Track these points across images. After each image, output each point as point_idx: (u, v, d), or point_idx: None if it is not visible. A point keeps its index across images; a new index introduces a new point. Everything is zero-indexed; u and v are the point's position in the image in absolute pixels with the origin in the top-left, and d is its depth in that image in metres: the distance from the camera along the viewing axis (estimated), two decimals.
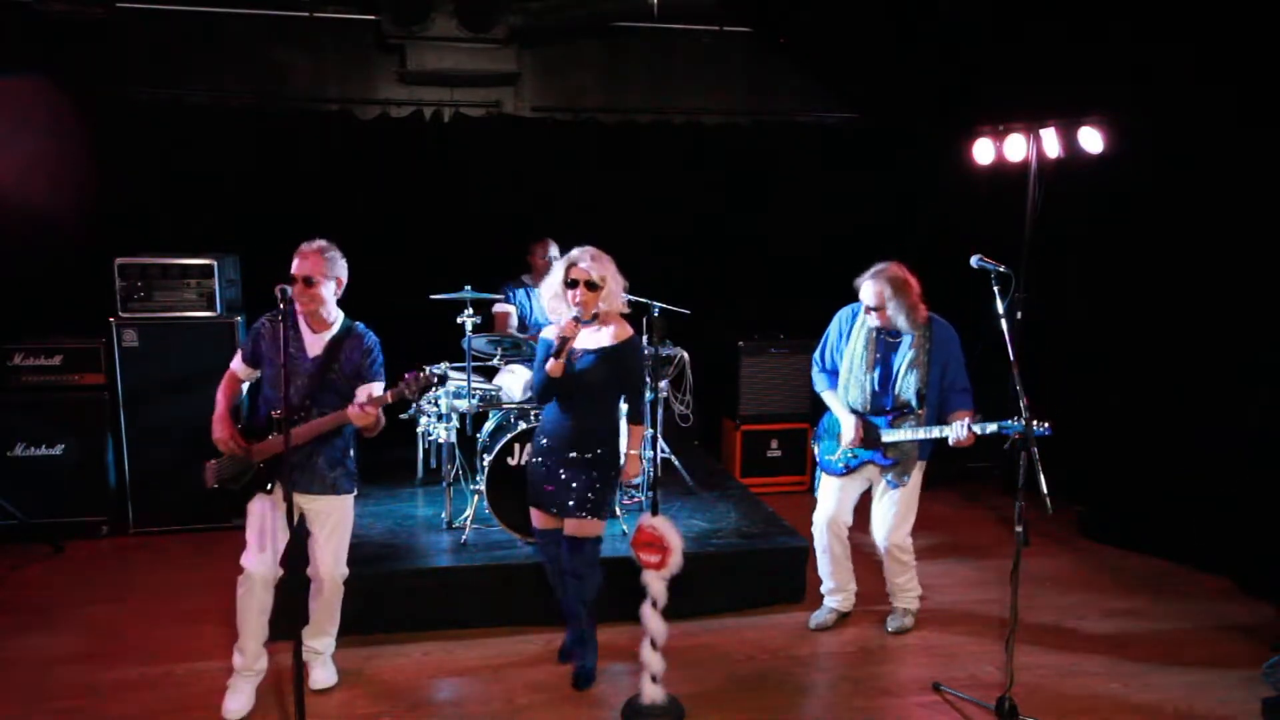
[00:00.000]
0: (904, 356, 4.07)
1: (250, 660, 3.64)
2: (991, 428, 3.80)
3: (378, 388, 3.61)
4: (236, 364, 3.73)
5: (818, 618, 4.45)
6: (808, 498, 6.29)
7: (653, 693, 3.56)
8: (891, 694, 3.86)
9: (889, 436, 4.10)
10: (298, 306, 3.54)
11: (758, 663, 4.11)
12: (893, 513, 4.25)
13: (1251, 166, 4.72)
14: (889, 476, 4.20)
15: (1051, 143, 5.50)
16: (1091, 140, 5.24)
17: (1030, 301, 5.70)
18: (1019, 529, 3.50)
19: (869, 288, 4.01)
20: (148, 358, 5.37)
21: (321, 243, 3.61)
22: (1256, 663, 3.93)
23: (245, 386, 3.83)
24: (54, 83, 5.64)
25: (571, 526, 3.79)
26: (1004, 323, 3.64)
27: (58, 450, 5.41)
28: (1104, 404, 5.65)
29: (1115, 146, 5.20)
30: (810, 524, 4.46)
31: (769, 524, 5.02)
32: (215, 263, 5.44)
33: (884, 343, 4.12)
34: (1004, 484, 6.42)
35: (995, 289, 3.67)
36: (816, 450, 4.41)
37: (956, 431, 3.89)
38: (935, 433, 4.00)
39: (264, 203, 6.10)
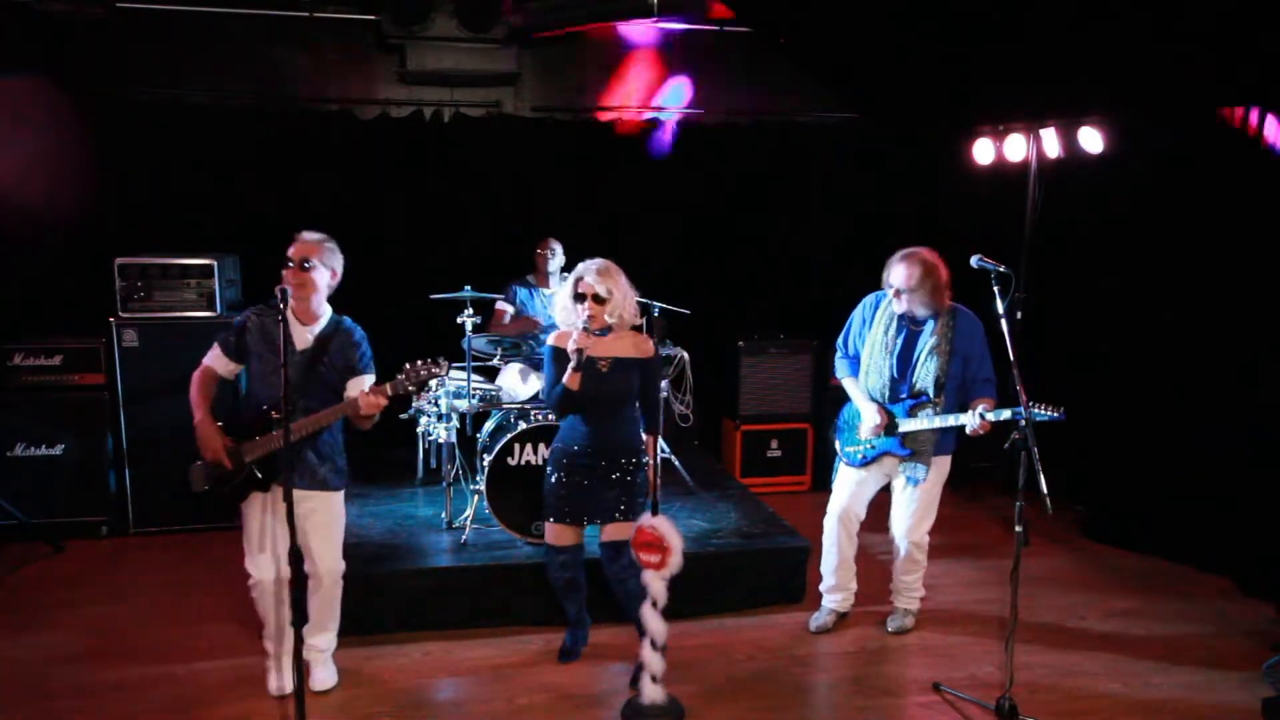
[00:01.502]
0: (925, 344, 4.05)
1: (279, 644, 3.70)
2: (1005, 414, 3.76)
3: (368, 381, 3.61)
4: (215, 359, 3.62)
5: (817, 620, 4.44)
6: (808, 498, 6.35)
7: (653, 693, 3.56)
8: (891, 694, 3.86)
9: (906, 426, 4.07)
10: (295, 292, 3.50)
11: (758, 663, 4.11)
12: (912, 510, 4.23)
13: (1251, 166, 4.72)
14: (906, 472, 4.17)
15: (1051, 143, 5.50)
16: (1091, 140, 5.24)
17: (1030, 301, 5.71)
18: (1019, 529, 3.51)
19: (899, 270, 3.96)
20: (148, 358, 5.37)
21: (320, 235, 3.62)
22: (1256, 663, 3.94)
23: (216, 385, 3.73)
24: (54, 83, 5.63)
25: (611, 531, 3.82)
26: (1004, 323, 3.64)
27: (58, 450, 5.41)
28: (1104, 404, 5.65)
29: (1115, 146, 5.20)
30: (811, 523, 4.46)
31: (769, 524, 5.02)
32: (215, 263, 5.45)
33: (906, 329, 4.10)
34: (1004, 484, 6.42)
35: (995, 289, 3.68)
36: (836, 442, 4.38)
37: (971, 420, 3.86)
38: (952, 420, 3.96)
39: (264, 203, 6.10)
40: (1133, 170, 5.28)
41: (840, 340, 4.36)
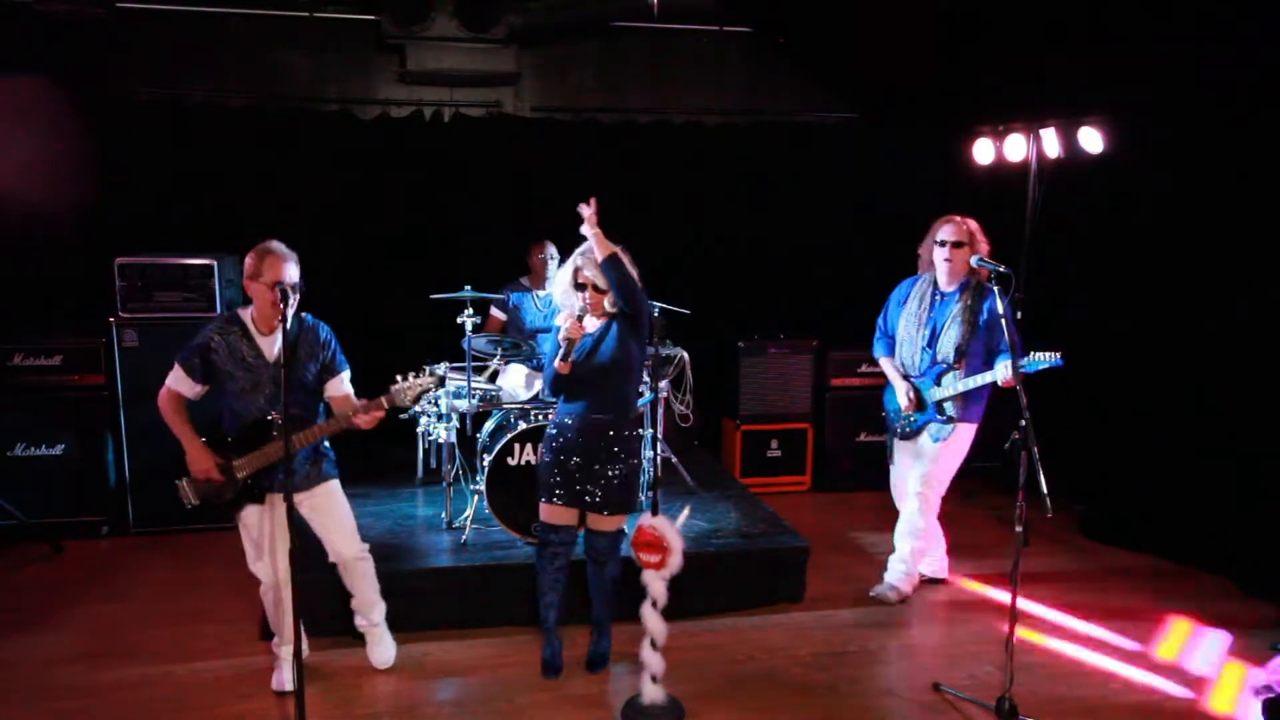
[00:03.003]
0: (950, 312, 4.28)
1: (291, 650, 3.67)
2: (1028, 361, 3.87)
3: (345, 377, 3.64)
4: (179, 382, 3.56)
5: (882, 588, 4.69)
6: (808, 498, 6.36)
7: (653, 693, 3.56)
8: (891, 694, 3.86)
9: (936, 395, 4.29)
10: (288, 311, 3.47)
11: (758, 663, 4.11)
12: (927, 461, 4.42)
13: (1251, 166, 4.72)
14: (933, 432, 4.38)
15: (1051, 143, 5.50)
16: (1091, 140, 5.24)
17: (1030, 301, 5.71)
18: (1019, 529, 3.51)
19: (949, 227, 4.27)
20: (148, 358, 5.36)
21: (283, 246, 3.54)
22: (1257, 663, 3.93)
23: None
24: (54, 83, 5.64)
25: (598, 521, 3.82)
26: (1004, 322, 3.64)
27: (58, 450, 5.41)
28: (1104, 404, 5.65)
29: (1115, 146, 5.20)
30: (811, 523, 4.48)
31: (769, 524, 5.01)
32: (215, 263, 5.44)
33: (935, 302, 4.36)
34: (1004, 484, 6.42)
35: (995, 289, 3.68)
36: (888, 423, 4.67)
37: (1001, 372, 4.01)
38: (973, 381, 4.15)
39: (264, 203, 6.10)
40: (1133, 170, 5.28)
41: (880, 319, 4.65)
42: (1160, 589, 4.89)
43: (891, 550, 4.71)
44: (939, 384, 4.31)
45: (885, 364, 4.59)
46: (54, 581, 4.90)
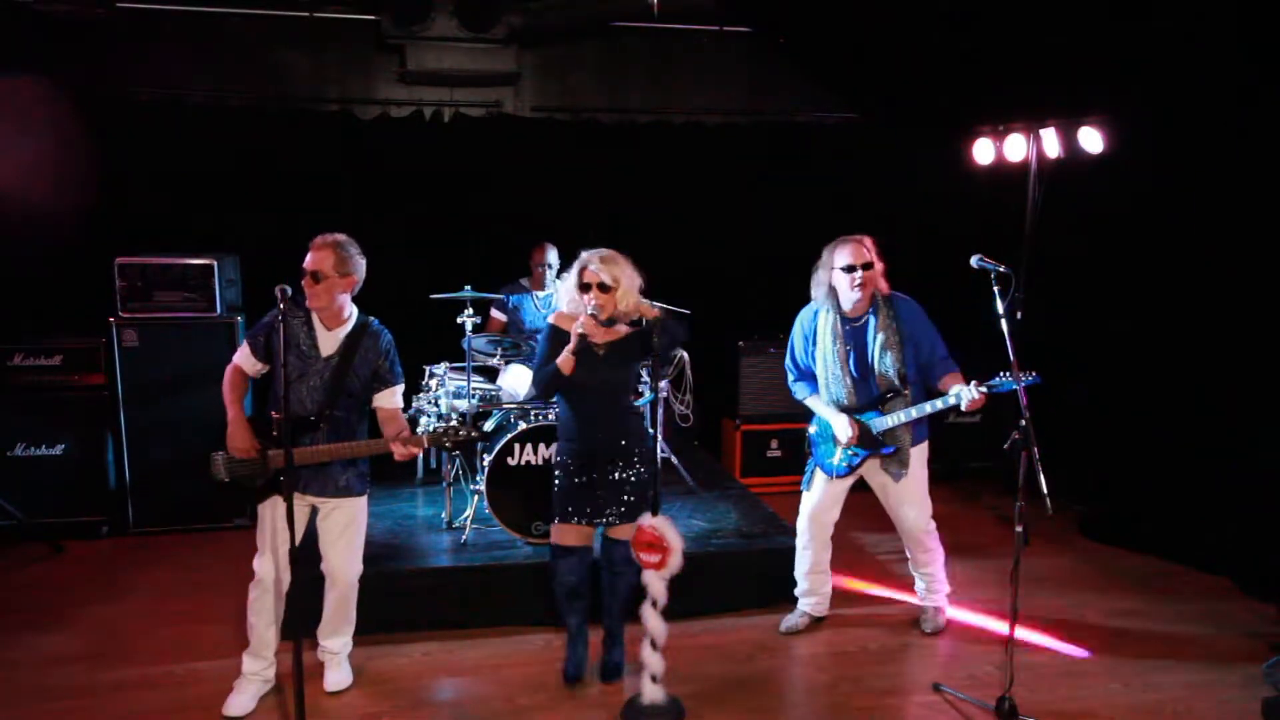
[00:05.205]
0: (875, 340, 4.04)
1: (260, 667, 3.66)
2: (994, 382, 3.75)
3: (399, 392, 3.62)
4: (243, 357, 3.59)
5: (788, 621, 4.39)
6: None
7: (653, 693, 3.56)
8: (891, 694, 3.86)
9: (884, 425, 4.05)
10: (309, 302, 3.50)
11: (758, 663, 4.11)
12: (908, 503, 4.21)
13: (1251, 166, 4.72)
14: (889, 467, 4.15)
15: (1051, 143, 5.49)
16: (1091, 140, 5.24)
17: (1030, 301, 5.70)
18: (1019, 529, 3.50)
19: (849, 250, 4.02)
20: (148, 358, 5.38)
21: (338, 236, 3.53)
22: (1256, 663, 3.94)
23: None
24: (54, 83, 5.64)
25: (617, 532, 3.79)
26: (1004, 323, 3.64)
27: (58, 450, 5.41)
28: (1104, 404, 5.65)
29: (1115, 146, 5.20)
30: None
31: (769, 524, 5.02)
32: (215, 263, 5.45)
33: (850, 331, 4.09)
34: (1004, 484, 6.42)
35: (995, 289, 3.68)
36: (814, 455, 4.35)
37: (967, 394, 3.80)
38: (929, 408, 3.93)
39: (264, 203, 6.11)
40: (1133, 170, 5.28)
41: (788, 362, 4.33)
42: (1160, 589, 4.89)
43: (913, 575, 4.50)
44: (884, 413, 4.05)
45: (815, 403, 4.22)
46: (54, 581, 4.91)
